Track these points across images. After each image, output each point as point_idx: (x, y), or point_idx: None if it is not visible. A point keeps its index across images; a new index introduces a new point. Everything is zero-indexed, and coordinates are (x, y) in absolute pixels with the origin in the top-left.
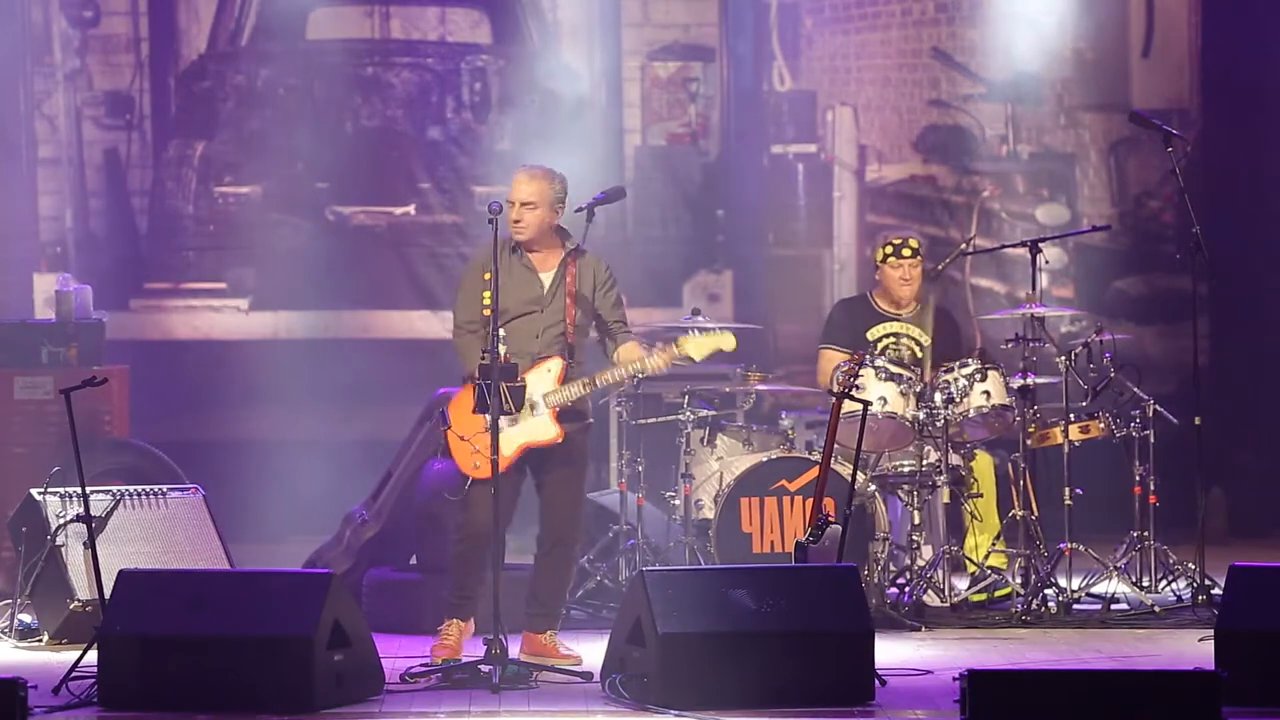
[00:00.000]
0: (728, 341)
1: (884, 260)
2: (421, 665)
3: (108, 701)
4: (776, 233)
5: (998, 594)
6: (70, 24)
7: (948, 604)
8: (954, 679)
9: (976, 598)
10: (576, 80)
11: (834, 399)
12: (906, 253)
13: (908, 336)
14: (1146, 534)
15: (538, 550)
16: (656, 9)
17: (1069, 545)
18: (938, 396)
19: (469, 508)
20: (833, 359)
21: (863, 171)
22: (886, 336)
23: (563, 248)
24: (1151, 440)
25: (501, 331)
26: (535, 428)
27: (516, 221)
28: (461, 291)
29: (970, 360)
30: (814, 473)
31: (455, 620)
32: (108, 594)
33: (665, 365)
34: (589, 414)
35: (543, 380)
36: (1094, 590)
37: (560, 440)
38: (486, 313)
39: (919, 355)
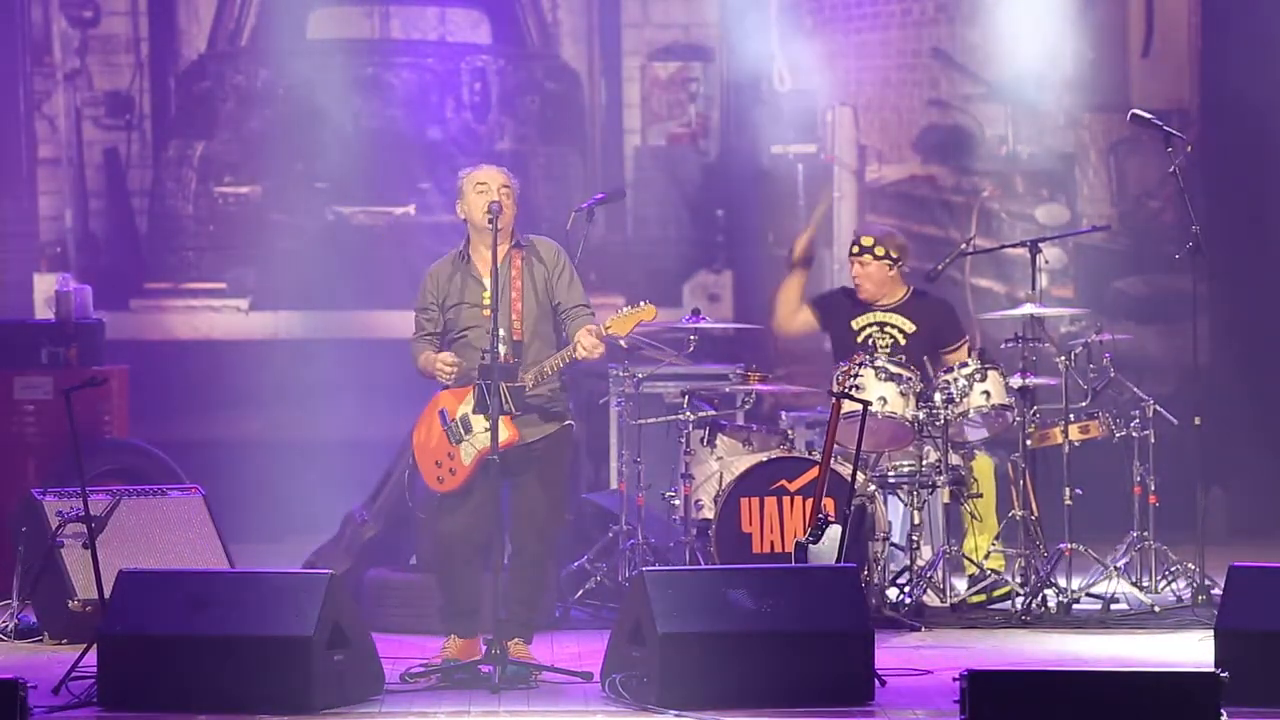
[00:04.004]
0: (648, 313)
1: (849, 255)
2: (421, 665)
3: (108, 701)
4: (776, 233)
5: (997, 594)
6: (70, 24)
7: (947, 604)
8: (954, 679)
9: (976, 598)
10: (576, 80)
11: (833, 399)
12: (854, 250)
13: (891, 325)
14: (1146, 534)
15: (508, 558)
16: (656, 9)
17: (1069, 545)
18: (937, 396)
19: (442, 519)
20: (796, 307)
21: (862, 171)
22: (870, 326)
23: (508, 244)
24: (1151, 440)
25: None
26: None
27: (496, 201)
28: (416, 310)
29: (970, 360)
30: (814, 473)
31: (454, 635)
32: (108, 594)
33: (592, 349)
34: (564, 416)
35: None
36: (1094, 590)
37: (516, 440)
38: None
39: (903, 344)
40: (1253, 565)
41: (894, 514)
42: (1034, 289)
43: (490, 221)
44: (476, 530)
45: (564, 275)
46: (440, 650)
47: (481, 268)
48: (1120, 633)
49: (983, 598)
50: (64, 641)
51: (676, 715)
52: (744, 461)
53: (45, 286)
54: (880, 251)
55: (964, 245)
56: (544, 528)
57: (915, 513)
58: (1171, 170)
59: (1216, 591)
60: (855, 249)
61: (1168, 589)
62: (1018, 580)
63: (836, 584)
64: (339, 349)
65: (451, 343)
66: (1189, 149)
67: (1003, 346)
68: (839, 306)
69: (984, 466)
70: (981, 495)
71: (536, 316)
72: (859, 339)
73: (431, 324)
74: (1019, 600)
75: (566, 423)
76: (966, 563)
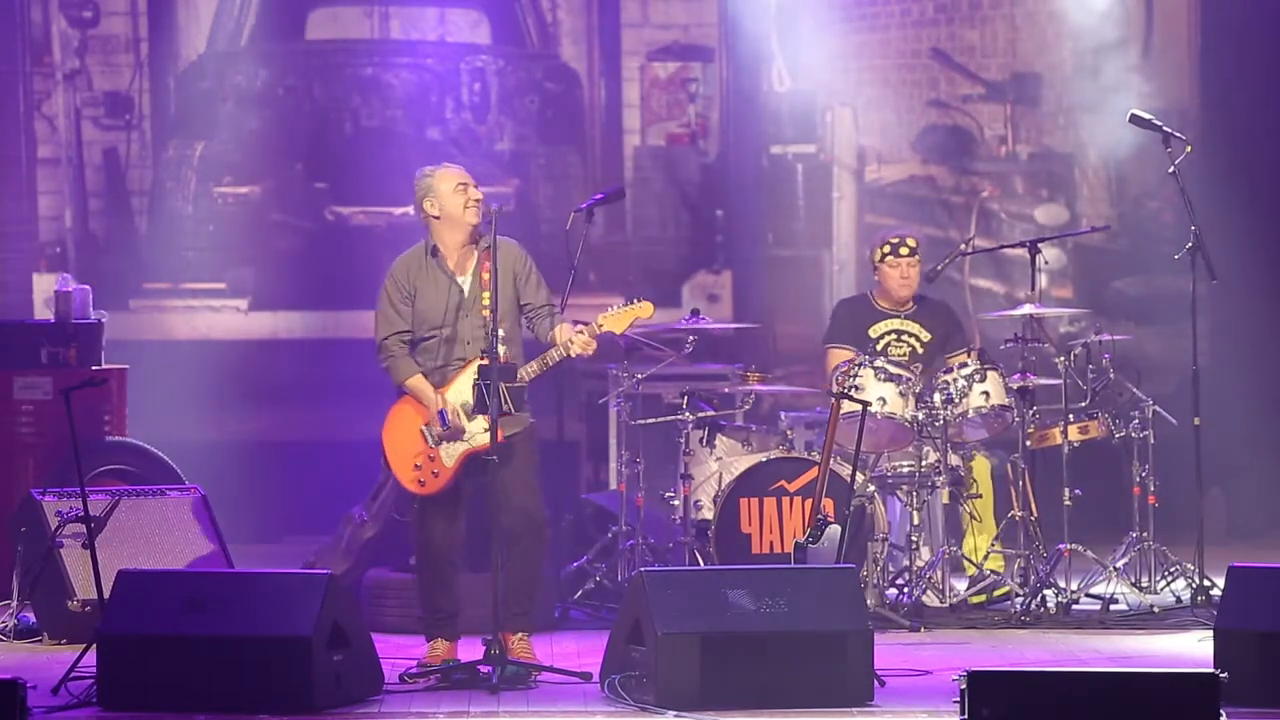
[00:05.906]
0: (644, 310)
1: (881, 260)
2: (419, 666)
3: (107, 701)
4: (776, 233)
5: (996, 594)
6: (70, 24)
7: (947, 604)
8: (954, 679)
9: (975, 598)
10: (576, 80)
11: (833, 399)
12: (904, 251)
13: (909, 333)
14: (1146, 534)
15: (502, 553)
16: (656, 9)
17: (1068, 546)
18: (936, 397)
19: (422, 525)
20: (839, 356)
21: (862, 172)
22: (889, 334)
23: (475, 245)
24: (1151, 441)
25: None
26: (473, 431)
27: (478, 201)
28: (382, 307)
29: (969, 361)
30: (813, 473)
31: (440, 639)
32: (107, 594)
33: (585, 347)
34: (527, 411)
35: (468, 386)
36: (1093, 590)
37: (501, 439)
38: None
39: (920, 352)
40: (1252, 565)
41: (893, 515)
42: (1033, 289)
43: (490, 221)
44: (461, 534)
45: (531, 276)
46: (425, 655)
47: (453, 266)
48: (1120, 633)
49: (982, 598)
50: (63, 641)
51: (676, 715)
52: (743, 462)
53: (45, 286)
54: (918, 249)
55: (963, 246)
56: (534, 515)
57: (914, 513)
58: (1171, 170)
59: (1216, 591)
60: (904, 250)
61: (1167, 589)
62: (1017, 580)
63: (836, 584)
64: (339, 349)
65: (419, 342)
66: (1189, 149)
67: (1002, 347)
68: (855, 320)
69: (982, 467)
70: (980, 496)
71: (508, 317)
72: (878, 347)
73: (404, 320)
74: (1019, 600)
75: (531, 420)
76: (965, 563)
